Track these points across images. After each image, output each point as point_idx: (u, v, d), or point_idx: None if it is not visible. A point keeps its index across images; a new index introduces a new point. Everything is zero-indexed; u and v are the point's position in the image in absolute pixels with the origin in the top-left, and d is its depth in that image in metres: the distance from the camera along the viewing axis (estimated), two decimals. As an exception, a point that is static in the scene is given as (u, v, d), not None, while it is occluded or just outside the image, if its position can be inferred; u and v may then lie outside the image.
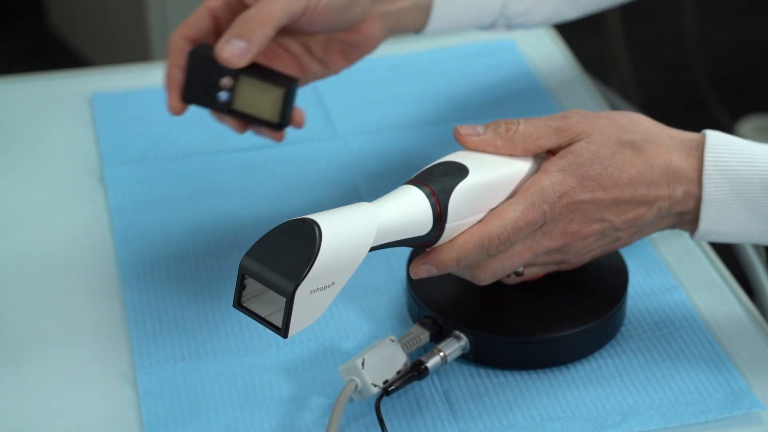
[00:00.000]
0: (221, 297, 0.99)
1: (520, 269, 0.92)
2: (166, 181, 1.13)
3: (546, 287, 0.94)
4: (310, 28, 0.97)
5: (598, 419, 0.89)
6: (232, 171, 1.14)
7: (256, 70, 0.95)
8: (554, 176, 0.88)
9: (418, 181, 0.86)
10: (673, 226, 0.92)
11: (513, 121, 0.90)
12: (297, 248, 0.79)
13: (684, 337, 0.96)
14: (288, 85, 0.95)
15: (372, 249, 0.83)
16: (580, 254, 0.91)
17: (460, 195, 0.86)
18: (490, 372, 0.93)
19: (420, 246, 0.87)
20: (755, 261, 1.14)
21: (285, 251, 0.80)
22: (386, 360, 0.90)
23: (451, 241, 0.87)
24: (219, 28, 0.97)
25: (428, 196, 0.85)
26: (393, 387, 0.89)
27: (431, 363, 0.91)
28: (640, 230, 0.91)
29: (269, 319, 0.80)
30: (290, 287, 0.78)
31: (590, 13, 1.09)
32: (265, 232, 0.81)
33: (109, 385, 0.93)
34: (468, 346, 0.92)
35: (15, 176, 1.15)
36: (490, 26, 1.06)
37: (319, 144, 1.17)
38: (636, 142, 0.89)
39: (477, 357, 0.93)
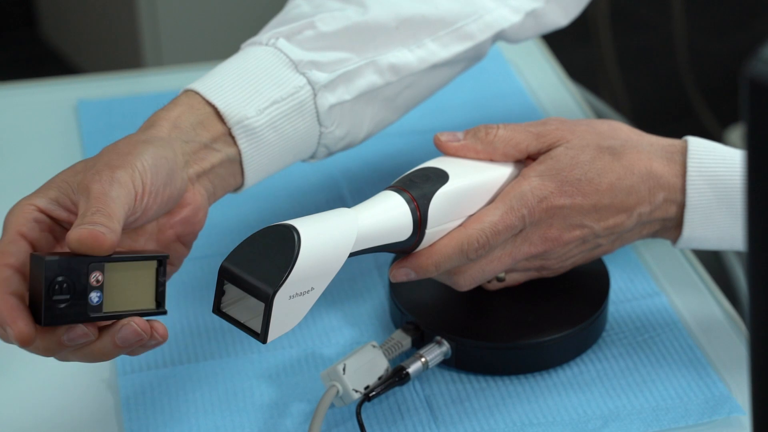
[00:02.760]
0: (203, 303, 0.99)
1: (502, 275, 0.92)
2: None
3: (527, 293, 0.95)
4: (143, 219, 0.81)
5: (578, 424, 0.89)
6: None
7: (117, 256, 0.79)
8: (533, 181, 0.88)
9: (398, 187, 0.87)
10: (654, 234, 0.92)
11: (493, 126, 0.90)
12: (276, 254, 0.80)
13: (665, 343, 0.96)
14: (158, 257, 0.80)
15: (352, 254, 0.83)
16: (560, 260, 0.91)
17: (440, 201, 0.86)
18: (472, 377, 0.93)
19: (400, 251, 0.88)
20: (737, 266, 1.14)
21: (264, 257, 0.80)
22: (368, 366, 0.90)
23: (430, 245, 0.87)
24: (36, 249, 0.79)
25: (408, 202, 0.85)
26: (374, 393, 0.89)
27: (412, 369, 0.91)
28: (620, 237, 0.91)
29: (248, 324, 0.80)
30: (269, 292, 0.78)
31: (408, 111, 1.00)
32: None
33: (90, 391, 0.93)
34: (450, 352, 0.92)
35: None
36: (311, 158, 0.96)
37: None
38: (616, 148, 0.89)
39: (459, 363, 0.93)
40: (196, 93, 0.89)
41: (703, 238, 0.91)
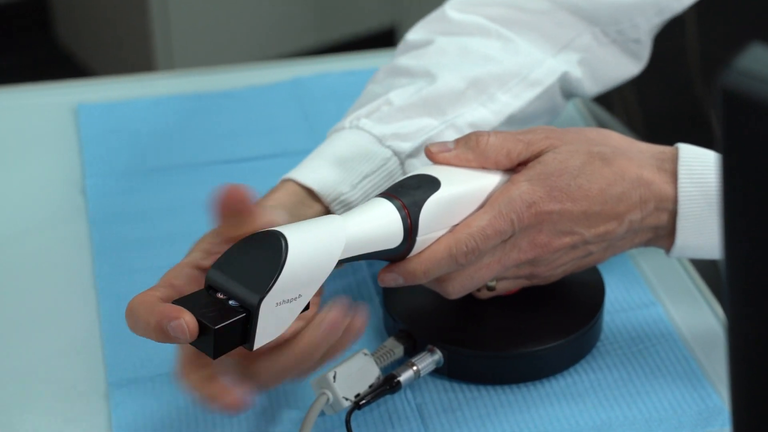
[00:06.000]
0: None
1: (492, 283, 0.91)
2: (148, 193, 1.13)
3: (521, 302, 0.94)
4: None
5: (570, 435, 0.89)
6: (214, 183, 1.13)
7: None
8: (522, 186, 0.87)
9: (389, 194, 0.86)
10: (647, 243, 0.92)
11: (483, 133, 0.90)
12: (263, 260, 0.79)
13: (660, 353, 0.95)
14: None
15: (342, 261, 0.83)
16: (551, 268, 0.90)
17: (431, 208, 0.86)
18: (464, 386, 0.93)
19: (391, 259, 0.87)
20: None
21: (251, 263, 0.80)
22: (358, 373, 0.89)
23: (419, 252, 0.86)
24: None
25: (399, 209, 0.85)
26: (364, 401, 0.89)
27: (404, 377, 0.90)
28: (612, 245, 0.91)
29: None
30: (255, 299, 0.78)
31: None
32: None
33: (81, 399, 0.92)
34: (442, 361, 0.92)
35: (-3, 187, 1.15)
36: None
37: (302, 157, 1.16)
38: (606, 154, 0.89)
39: (451, 371, 0.92)
40: (291, 180, 0.94)
41: (696, 246, 0.91)
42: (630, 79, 1.10)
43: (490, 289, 0.92)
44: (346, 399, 0.88)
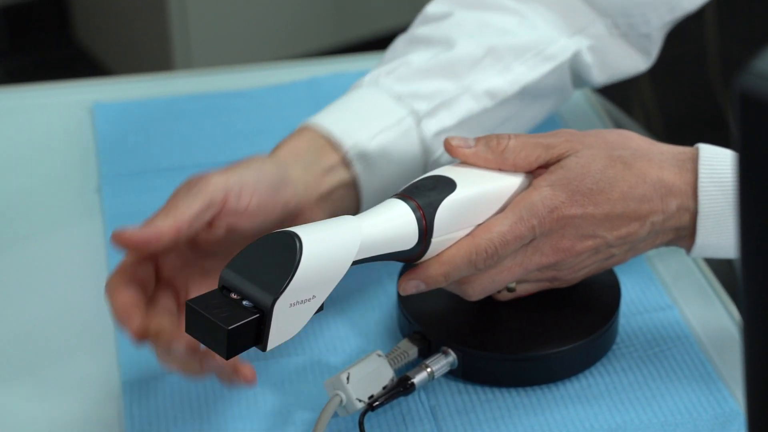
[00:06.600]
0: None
1: (512, 285, 0.91)
2: (163, 193, 1.11)
3: (536, 304, 0.94)
4: (242, 222, 0.89)
5: (585, 438, 0.88)
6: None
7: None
8: (544, 191, 0.87)
9: (405, 195, 0.86)
10: (668, 243, 0.91)
11: (504, 136, 0.89)
12: (277, 261, 0.79)
13: (676, 357, 0.95)
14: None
15: (356, 263, 0.82)
16: (573, 271, 0.90)
17: (446, 209, 0.86)
18: (478, 389, 0.92)
19: (406, 260, 0.87)
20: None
21: (265, 264, 0.79)
22: (372, 375, 0.89)
23: (438, 255, 0.86)
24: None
25: (414, 210, 0.85)
26: (378, 402, 0.88)
27: (418, 379, 0.90)
28: (634, 247, 0.90)
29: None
30: (269, 300, 0.78)
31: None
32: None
33: (94, 394, 0.92)
34: (456, 363, 0.91)
35: (13, 185, 1.15)
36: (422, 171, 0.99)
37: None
38: (626, 157, 0.88)
39: (465, 373, 0.92)
40: (309, 129, 0.96)
41: (717, 246, 0.90)
42: (636, 75, 1.10)
43: (510, 290, 0.91)
44: (360, 400, 0.88)
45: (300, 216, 0.92)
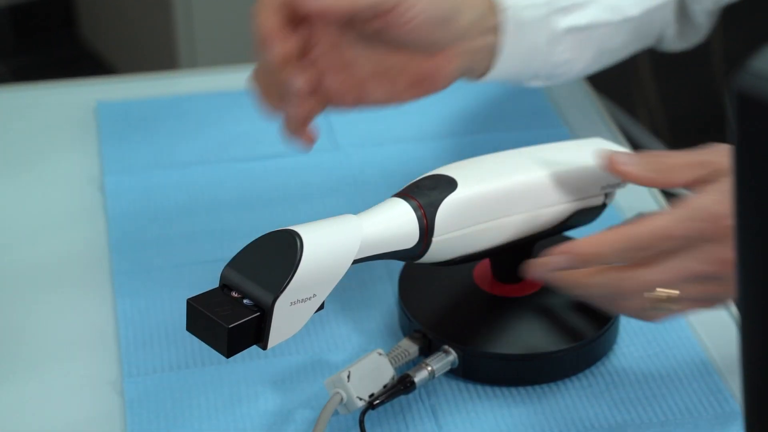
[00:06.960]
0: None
1: (672, 306, 0.85)
2: (166, 191, 1.13)
3: (537, 303, 0.94)
4: (400, 34, 0.91)
5: (585, 437, 0.88)
6: (233, 181, 1.14)
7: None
8: (716, 196, 0.83)
9: (406, 194, 0.86)
10: None
11: (660, 153, 0.88)
12: (278, 259, 0.79)
13: (677, 356, 0.95)
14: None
15: (356, 261, 0.83)
16: (732, 287, 0.81)
17: (447, 209, 0.86)
18: (478, 387, 0.92)
19: (406, 260, 0.87)
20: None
21: (266, 262, 0.79)
22: (373, 373, 0.89)
23: (592, 235, 0.84)
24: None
25: (415, 209, 0.85)
26: (378, 401, 0.88)
27: (418, 377, 0.90)
28: None
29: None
30: (269, 299, 0.78)
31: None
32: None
33: (95, 393, 0.93)
34: (456, 361, 0.92)
35: (16, 184, 1.15)
36: (534, 79, 1.04)
37: (320, 155, 1.16)
38: None
39: (465, 372, 0.92)
40: None
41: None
42: (680, 51, 1.14)
43: (668, 309, 0.85)
44: (360, 399, 0.88)
45: (439, 56, 0.93)
